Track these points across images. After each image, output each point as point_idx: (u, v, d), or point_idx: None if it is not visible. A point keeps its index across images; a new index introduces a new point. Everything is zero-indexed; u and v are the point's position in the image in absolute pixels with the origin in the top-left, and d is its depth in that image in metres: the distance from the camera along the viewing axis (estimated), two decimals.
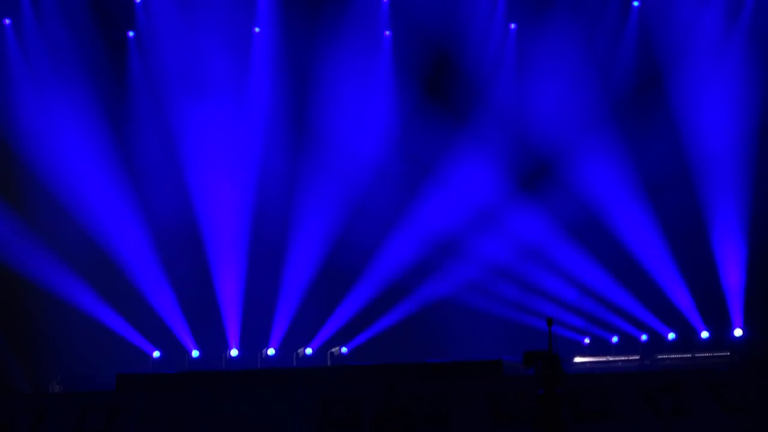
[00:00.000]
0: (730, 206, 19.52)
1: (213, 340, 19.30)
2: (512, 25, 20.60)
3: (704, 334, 19.39)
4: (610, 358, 18.93)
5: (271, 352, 19.11)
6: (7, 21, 19.60)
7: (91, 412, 13.99)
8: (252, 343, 19.27)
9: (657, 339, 19.58)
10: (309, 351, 19.07)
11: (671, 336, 19.52)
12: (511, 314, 19.41)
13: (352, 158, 19.81)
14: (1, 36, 19.60)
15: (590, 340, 19.70)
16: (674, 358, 18.74)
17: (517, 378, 14.54)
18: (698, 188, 19.63)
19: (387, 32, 20.47)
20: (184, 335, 19.31)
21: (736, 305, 19.26)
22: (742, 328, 19.16)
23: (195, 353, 19.22)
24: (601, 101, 19.92)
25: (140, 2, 20.04)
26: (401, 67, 20.19)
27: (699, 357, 18.58)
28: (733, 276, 19.36)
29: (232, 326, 19.31)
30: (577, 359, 18.74)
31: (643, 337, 19.58)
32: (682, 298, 19.54)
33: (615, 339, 19.67)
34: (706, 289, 19.45)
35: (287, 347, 19.19)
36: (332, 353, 18.92)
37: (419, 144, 19.86)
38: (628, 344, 19.52)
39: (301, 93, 19.91)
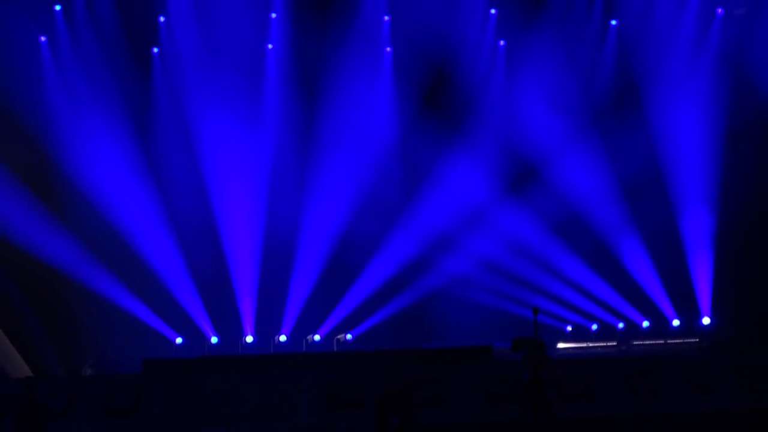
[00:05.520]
0: (699, 207, 19.97)
1: (230, 327, 19.73)
2: (502, 42, 20.93)
3: (675, 323, 19.93)
4: (590, 344, 19.44)
5: (282, 338, 19.60)
6: (43, 38, 20.11)
7: (120, 393, 14.36)
8: (266, 330, 19.70)
9: (632, 327, 20.04)
10: (317, 338, 19.49)
11: (645, 324, 20.03)
12: (501, 304, 19.75)
13: (356, 162, 20.29)
14: (37, 52, 20.08)
15: (572, 328, 20.13)
16: (648, 344, 19.28)
17: (506, 362, 14.82)
18: (670, 189, 20.04)
19: (388, 48, 20.81)
20: (204, 323, 19.81)
21: (704, 296, 19.82)
22: (710, 317, 19.75)
23: (214, 339, 19.69)
24: (582, 110, 20.38)
25: (164, 21, 20.54)
26: (401, 80, 20.53)
27: (671, 343, 19.15)
28: (701, 269, 19.90)
29: (248, 315, 19.77)
30: (560, 345, 19.28)
31: (620, 325, 20.06)
32: (655, 289, 20.05)
33: (594, 327, 20.15)
34: (677, 282, 19.95)
35: (297, 334, 19.57)
36: (338, 340, 19.20)
37: (418, 150, 20.28)
38: (607, 331, 19.98)
39: (310, 103, 20.25)
